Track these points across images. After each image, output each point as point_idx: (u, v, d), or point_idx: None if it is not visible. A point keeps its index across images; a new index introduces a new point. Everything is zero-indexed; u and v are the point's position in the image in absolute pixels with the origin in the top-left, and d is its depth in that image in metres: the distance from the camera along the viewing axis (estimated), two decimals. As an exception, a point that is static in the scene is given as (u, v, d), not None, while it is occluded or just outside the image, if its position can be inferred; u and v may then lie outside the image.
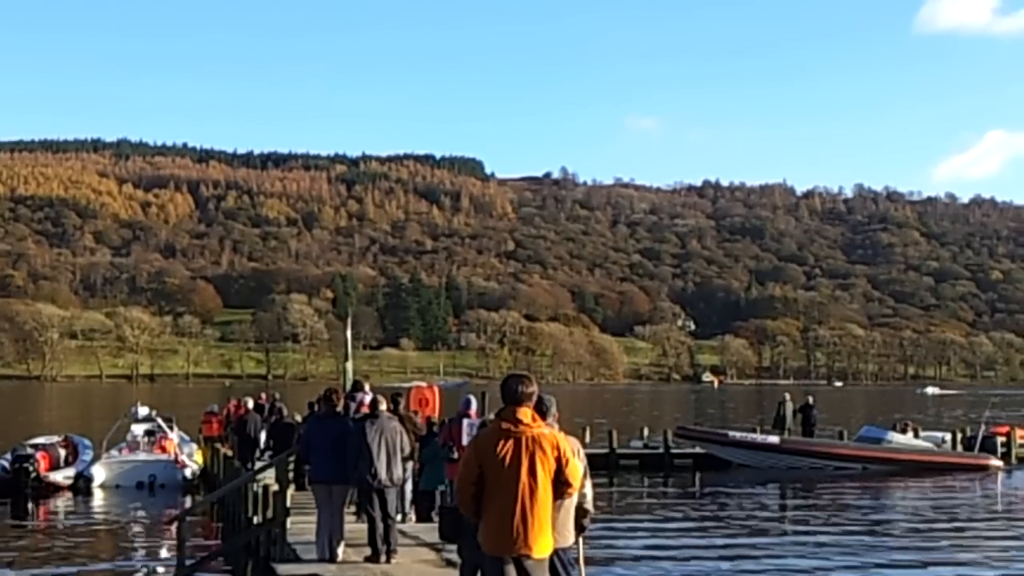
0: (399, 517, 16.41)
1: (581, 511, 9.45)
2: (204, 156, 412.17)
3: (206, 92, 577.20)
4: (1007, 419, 61.99)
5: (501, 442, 8.19)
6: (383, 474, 14.56)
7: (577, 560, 9.74)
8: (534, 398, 8.43)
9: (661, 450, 42.85)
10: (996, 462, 41.83)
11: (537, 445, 8.18)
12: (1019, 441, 45.45)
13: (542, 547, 8.21)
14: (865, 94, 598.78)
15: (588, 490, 9.63)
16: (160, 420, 38.04)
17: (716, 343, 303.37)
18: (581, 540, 9.66)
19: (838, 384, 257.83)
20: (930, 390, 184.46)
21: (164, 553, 22.36)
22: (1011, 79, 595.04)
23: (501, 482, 8.13)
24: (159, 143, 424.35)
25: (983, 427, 45.34)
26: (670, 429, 44.84)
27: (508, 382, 8.41)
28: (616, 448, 42.10)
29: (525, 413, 8.27)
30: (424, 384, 32.33)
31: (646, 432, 48.53)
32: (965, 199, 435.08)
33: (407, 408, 21.39)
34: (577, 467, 8.44)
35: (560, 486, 8.28)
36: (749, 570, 20.60)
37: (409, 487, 18.74)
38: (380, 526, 14.55)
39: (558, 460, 8.23)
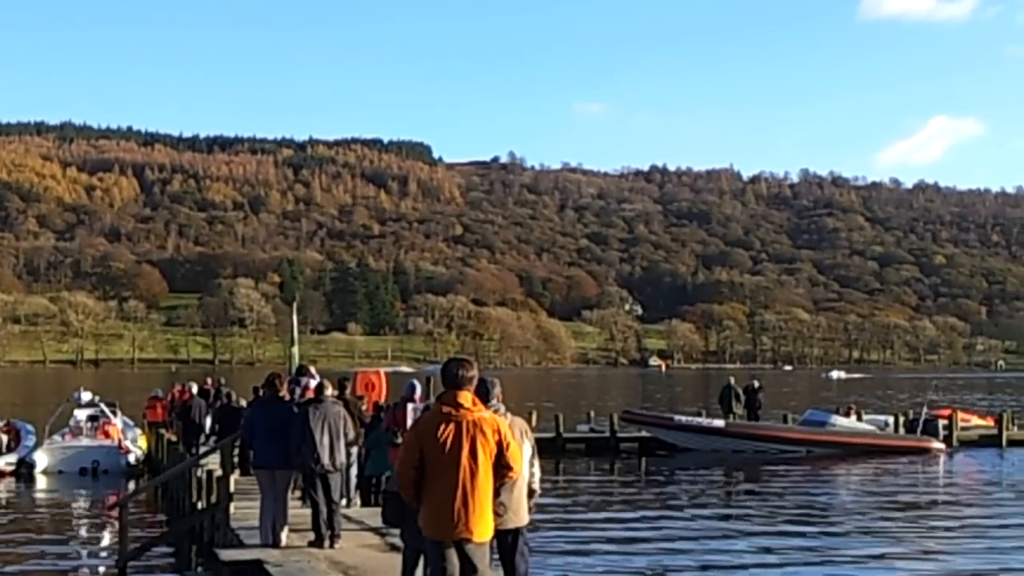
0: (343, 502, 16.36)
1: (529, 491, 9.49)
2: (149, 139, 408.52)
3: (151, 75, 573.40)
4: (948, 402, 62.72)
5: (442, 426, 8.19)
6: (326, 459, 14.51)
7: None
8: (475, 382, 8.44)
9: (607, 434, 43.01)
10: (938, 445, 42.30)
11: (478, 429, 8.19)
12: (960, 424, 45.99)
13: (483, 531, 8.22)
14: (811, 80, 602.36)
15: (536, 470, 9.68)
16: (103, 405, 37.73)
17: (663, 327, 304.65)
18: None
19: (788, 368, 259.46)
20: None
21: (107, 539, 22.21)
22: (955, 65, 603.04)
23: (442, 466, 8.13)
24: (103, 126, 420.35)
25: (925, 410, 45.85)
26: (617, 413, 44.96)
27: (448, 366, 8.42)
28: (563, 432, 42.20)
29: (466, 397, 8.27)
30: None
31: (593, 416, 48.69)
32: (909, 184, 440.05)
33: (353, 393, 21.35)
34: (517, 450, 8.45)
35: (501, 469, 8.29)
36: (692, 554, 20.70)
37: (354, 472, 18.70)
38: (324, 511, 14.51)
39: (499, 443, 8.24)
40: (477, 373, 8.49)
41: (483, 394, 9.00)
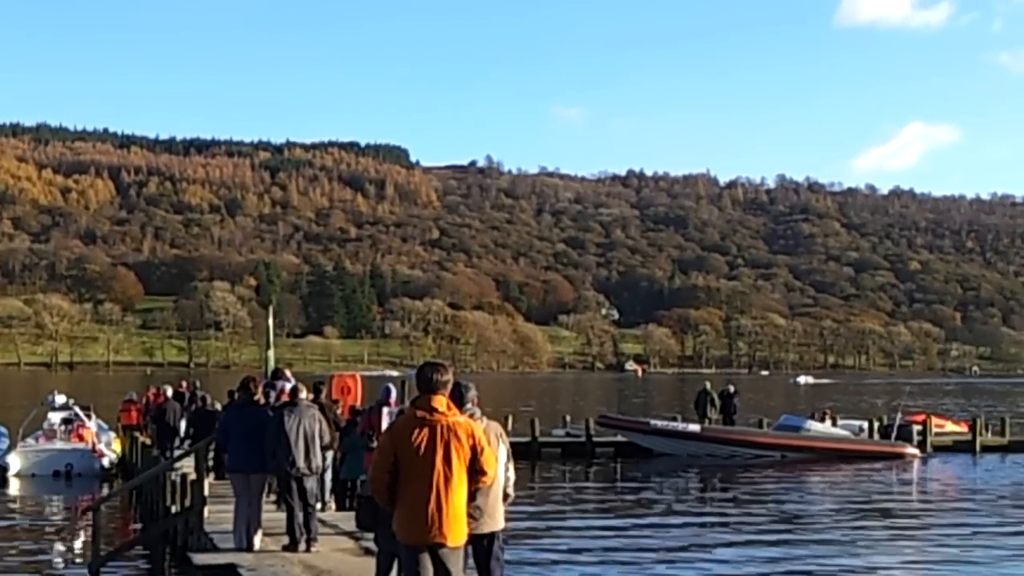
0: (318, 506, 16.34)
1: (503, 495, 9.50)
2: (125, 141, 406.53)
3: (128, 77, 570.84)
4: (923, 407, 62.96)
5: (416, 430, 8.18)
6: (301, 462, 14.49)
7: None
8: (449, 386, 8.43)
9: (583, 438, 43.04)
10: (912, 450, 42.50)
11: (452, 433, 8.18)
12: (934, 430, 46.18)
13: (456, 535, 8.20)
14: (787, 86, 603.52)
15: (511, 474, 9.69)
16: (77, 408, 37.59)
17: (640, 332, 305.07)
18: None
19: (764, 373, 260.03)
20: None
21: (80, 543, 22.12)
22: (930, 72, 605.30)
23: (416, 470, 8.12)
24: (79, 128, 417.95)
25: (899, 415, 46.02)
26: (593, 418, 45.01)
27: (423, 370, 8.41)
28: (538, 436, 42.23)
29: (440, 401, 8.27)
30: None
31: (568, 421, 48.72)
32: (885, 190, 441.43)
33: (328, 397, 21.32)
34: (491, 455, 8.45)
35: (475, 474, 8.28)
36: (668, 562, 20.72)
37: (329, 476, 18.69)
38: (299, 515, 14.49)
39: (473, 448, 8.23)
40: (452, 377, 8.49)
41: (458, 398, 8.99)
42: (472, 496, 8.72)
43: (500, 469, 9.27)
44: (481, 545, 9.44)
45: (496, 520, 9.34)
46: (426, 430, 8.17)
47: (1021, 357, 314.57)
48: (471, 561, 9.49)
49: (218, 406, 31.60)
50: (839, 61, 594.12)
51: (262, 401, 15.68)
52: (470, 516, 8.82)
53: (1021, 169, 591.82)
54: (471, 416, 9.10)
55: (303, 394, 15.26)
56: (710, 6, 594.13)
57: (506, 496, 9.59)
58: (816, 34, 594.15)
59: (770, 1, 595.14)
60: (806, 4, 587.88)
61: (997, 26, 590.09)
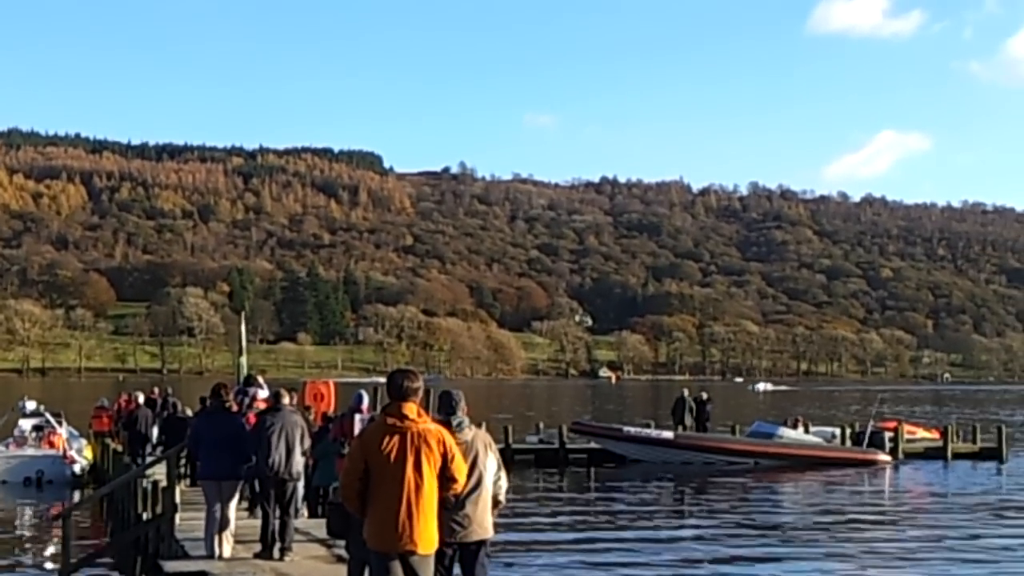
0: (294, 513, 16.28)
1: (494, 501, 9.48)
2: (98, 147, 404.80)
3: (100, 81, 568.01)
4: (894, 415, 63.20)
5: (386, 437, 8.15)
6: (281, 467, 14.43)
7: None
8: (420, 393, 8.40)
9: (557, 445, 43.02)
10: (884, 457, 42.67)
11: (423, 440, 8.15)
12: (906, 437, 46.38)
13: (427, 543, 8.17)
14: (760, 93, 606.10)
15: (503, 482, 9.67)
16: (48, 415, 37.45)
17: (613, 339, 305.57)
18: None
19: (739, 380, 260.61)
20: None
21: (50, 550, 22.00)
22: (901, 80, 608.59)
23: (386, 477, 8.09)
24: (51, 133, 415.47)
25: (871, 423, 46.23)
26: (566, 425, 45.01)
27: (394, 377, 8.39)
28: (512, 443, 42.19)
29: (411, 408, 8.24)
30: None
31: (542, 427, 48.72)
32: (856, 198, 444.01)
33: (300, 403, 21.25)
34: (462, 463, 8.42)
35: (445, 481, 8.26)
36: (639, 569, 20.72)
37: (301, 483, 18.61)
38: (275, 522, 14.43)
39: (444, 455, 8.21)
40: (422, 384, 8.46)
41: (448, 407, 9.12)
42: (461, 504, 8.76)
43: (489, 477, 9.28)
44: (469, 552, 9.40)
45: (485, 528, 9.31)
46: (397, 437, 8.14)
47: (992, 364, 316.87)
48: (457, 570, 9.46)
49: (189, 412, 31.55)
50: (811, 69, 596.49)
51: (234, 408, 15.62)
52: (459, 524, 8.87)
53: (992, 177, 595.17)
54: (459, 425, 9.12)
55: (285, 399, 15.21)
56: (682, 15, 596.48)
57: (496, 503, 9.56)
58: (788, 42, 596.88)
59: (742, 9, 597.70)
60: (778, 12, 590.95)
61: (967, 35, 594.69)
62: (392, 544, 8.08)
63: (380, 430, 8.26)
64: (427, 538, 8.15)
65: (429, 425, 8.29)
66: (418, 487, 8.08)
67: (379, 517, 8.12)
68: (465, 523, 8.99)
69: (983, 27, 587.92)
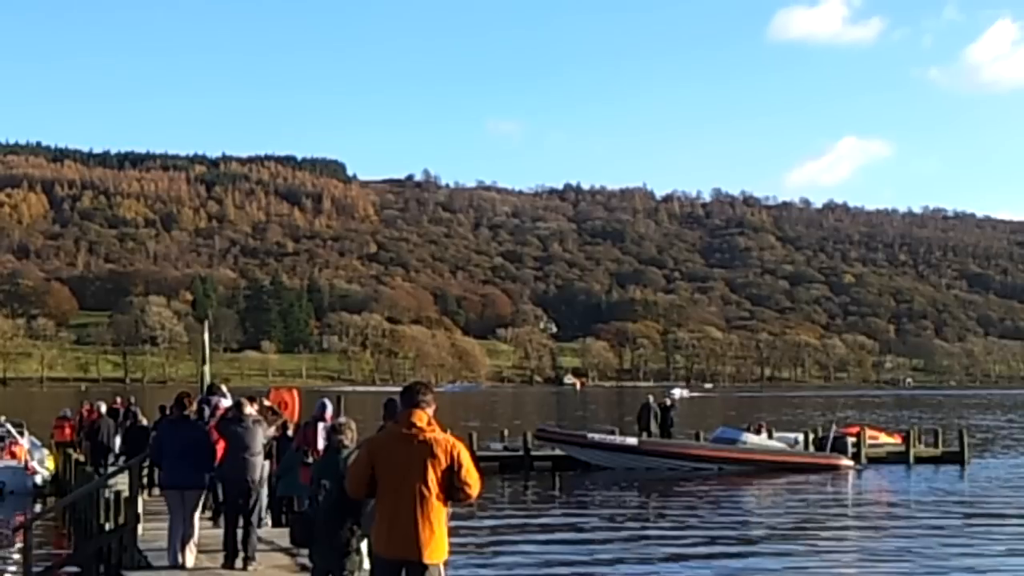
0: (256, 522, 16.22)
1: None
2: (59, 155, 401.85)
3: (61, 89, 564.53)
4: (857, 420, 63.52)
5: (396, 446, 8.24)
6: (246, 476, 14.39)
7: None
8: (432, 403, 8.45)
9: (521, 452, 43.00)
10: (847, 462, 42.91)
11: (431, 449, 8.19)
12: (869, 441, 46.63)
13: (432, 552, 8.16)
14: (721, 100, 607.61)
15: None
16: (9, 425, 37.17)
17: (578, 345, 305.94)
18: None
19: (708, 386, 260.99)
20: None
21: (12, 561, 21.83)
22: (862, 87, 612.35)
23: (394, 485, 8.14)
24: (11, 141, 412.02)
25: (834, 428, 46.48)
26: (531, 431, 45.03)
27: (409, 387, 8.51)
28: (477, 451, 42.09)
29: (420, 417, 8.30)
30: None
31: (506, 434, 48.71)
32: (819, 204, 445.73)
33: (265, 412, 21.13)
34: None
35: (454, 490, 8.27)
36: (605, 573, 20.76)
37: (265, 492, 18.54)
38: (239, 532, 14.38)
39: (453, 464, 8.22)
40: (433, 396, 8.53)
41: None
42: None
43: None
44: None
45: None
46: (405, 446, 8.21)
47: (954, 369, 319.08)
48: None
49: (145, 421, 31.37)
50: (772, 76, 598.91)
51: (194, 417, 15.58)
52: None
53: (952, 183, 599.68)
54: None
55: (247, 408, 15.16)
56: (644, 23, 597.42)
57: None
58: (749, 50, 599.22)
59: (702, 17, 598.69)
60: (738, 20, 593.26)
61: (927, 42, 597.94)
62: (398, 551, 8.12)
63: (389, 438, 8.35)
64: (433, 547, 8.16)
65: (438, 434, 8.32)
66: (425, 496, 8.11)
67: (386, 524, 8.17)
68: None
69: (942, 34, 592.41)
